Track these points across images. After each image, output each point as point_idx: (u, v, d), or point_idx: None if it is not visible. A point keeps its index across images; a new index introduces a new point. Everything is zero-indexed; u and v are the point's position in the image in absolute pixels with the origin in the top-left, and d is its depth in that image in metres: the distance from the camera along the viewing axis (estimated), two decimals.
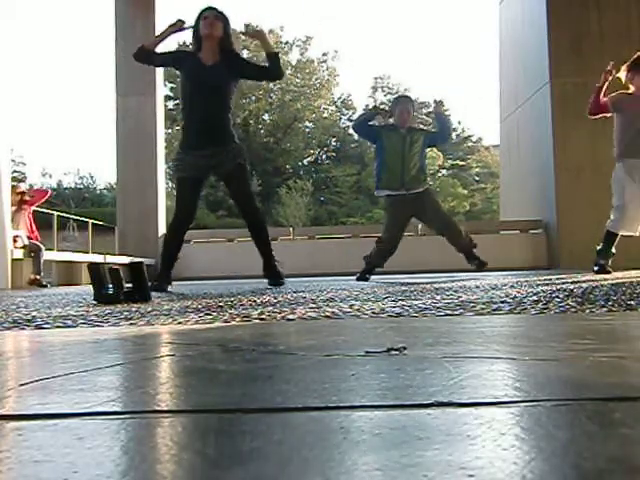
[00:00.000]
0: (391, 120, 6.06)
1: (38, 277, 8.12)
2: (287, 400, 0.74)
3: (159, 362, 1.15)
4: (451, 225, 5.88)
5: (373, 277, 6.10)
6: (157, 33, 4.99)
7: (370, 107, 6.53)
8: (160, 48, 4.90)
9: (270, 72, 4.74)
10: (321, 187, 37.79)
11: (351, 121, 41.51)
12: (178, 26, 4.78)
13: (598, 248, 5.77)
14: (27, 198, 8.54)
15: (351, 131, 41.65)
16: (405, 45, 66.87)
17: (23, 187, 9.14)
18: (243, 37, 5.03)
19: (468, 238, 5.84)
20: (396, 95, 6.48)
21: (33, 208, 8.83)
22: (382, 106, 6.57)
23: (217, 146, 4.58)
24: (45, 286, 8.07)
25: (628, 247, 9.53)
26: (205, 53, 4.68)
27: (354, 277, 6.12)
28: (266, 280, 4.84)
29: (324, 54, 40.17)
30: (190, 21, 4.85)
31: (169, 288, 4.65)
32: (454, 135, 42.57)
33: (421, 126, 6.48)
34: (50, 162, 63.94)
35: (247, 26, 5.04)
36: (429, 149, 6.22)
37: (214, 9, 4.78)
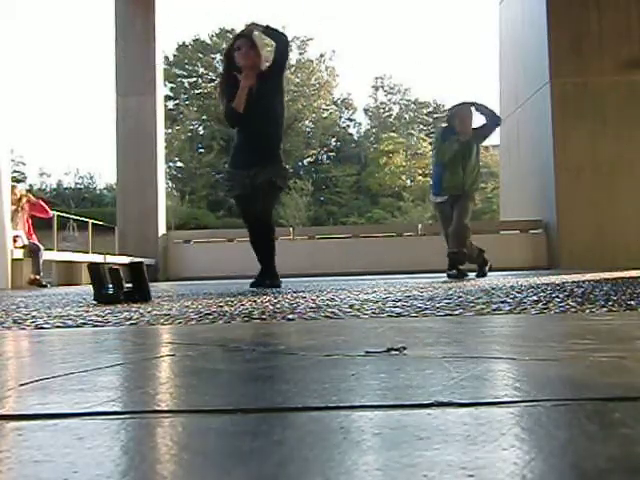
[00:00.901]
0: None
1: (38, 277, 8.12)
2: (287, 400, 0.74)
3: (159, 362, 1.15)
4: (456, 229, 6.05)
5: (374, 277, 6.09)
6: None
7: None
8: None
9: (279, 44, 4.88)
10: (321, 187, 37.78)
11: (351, 120, 41.57)
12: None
13: None
14: (32, 198, 8.53)
15: (351, 131, 41.76)
16: (405, 45, 66.86)
17: (22, 189, 9.12)
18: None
19: (476, 252, 6.07)
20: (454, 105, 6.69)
21: (31, 213, 8.82)
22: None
23: (260, 165, 4.68)
24: (45, 286, 8.07)
25: (628, 247, 9.56)
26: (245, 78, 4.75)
27: (354, 277, 6.15)
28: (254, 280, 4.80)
29: (322, 55, 40.18)
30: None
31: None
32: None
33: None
34: (50, 162, 63.96)
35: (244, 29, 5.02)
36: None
37: (244, 36, 4.89)
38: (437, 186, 6.23)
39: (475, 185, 6.25)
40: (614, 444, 0.54)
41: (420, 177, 36.01)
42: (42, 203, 8.89)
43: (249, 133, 4.70)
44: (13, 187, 8.51)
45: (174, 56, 38.06)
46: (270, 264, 4.78)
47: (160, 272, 11.33)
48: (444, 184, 6.13)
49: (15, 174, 26.59)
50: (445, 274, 6.08)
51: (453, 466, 0.49)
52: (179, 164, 35.72)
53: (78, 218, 14.39)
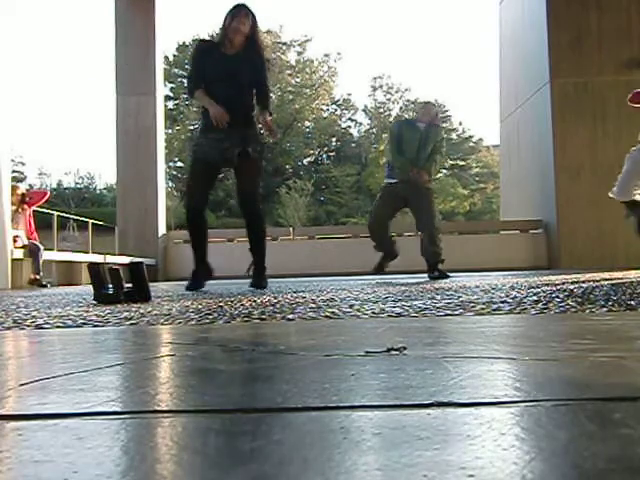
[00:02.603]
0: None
1: (38, 277, 8.12)
2: (287, 400, 0.74)
3: (159, 362, 1.15)
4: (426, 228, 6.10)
5: (374, 277, 6.10)
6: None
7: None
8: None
9: (263, 102, 4.64)
10: (321, 187, 37.78)
11: (352, 120, 41.56)
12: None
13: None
14: (27, 199, 8.54)
15: (351, 131, 41.79)
16: (405, 45, 66.87)
17: (22, 188, 9.13)
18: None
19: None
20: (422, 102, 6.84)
21: (33, 208, 8.83)
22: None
23: (234, 128, 4.44)
24: (45, 286, 8.07)
25: (628, 247, 9.56)
26: (228, 44, 4.60)
27: (354, 277, 6.16)
28: (249, 281, 4.69)
29: (325, 55, 40.18)
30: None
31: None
32: (454, 135, 42.65)
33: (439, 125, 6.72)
34: (50, 162, 63.98)
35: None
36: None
37: (245, 6, 4.67)
38: (390, 167, 6.28)
39: (429, 163, 6.14)
40: (615, 444, 0.54)
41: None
42: (34, 192, 8.95)
43: (217, 92, 4.48)
44: (15, 187, 8.51)
45: (174, 56, 38.06)
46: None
47: (160, 272, 11.32)
48: (397, 164, 6.12)
49: (15, 174, 26.59)
50: (427, 276, 6.08)
51: (453, 466, 0.49)
52: (179, 164, 35.72)
53: (78, 218, 14.40)
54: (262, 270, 4.70)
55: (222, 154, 4.48)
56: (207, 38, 4.75)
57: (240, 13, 4.56)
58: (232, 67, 4.54)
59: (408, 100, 42.81)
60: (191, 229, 4.66)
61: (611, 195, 5.56)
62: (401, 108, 42.70)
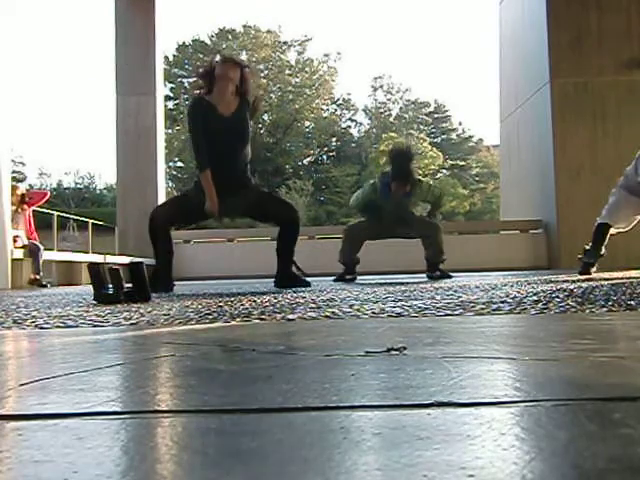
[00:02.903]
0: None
1: (38, 277, 8.12)
2: (287, 400, 0.74)
3: (159, 362, 1.15)
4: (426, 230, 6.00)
5: (373, 277, 6.10)
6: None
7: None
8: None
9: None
10: (321, 187, 37.80)
11: (352, 120, 41.55)
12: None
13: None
14: (26, 200, 8.54)
15: (351, 131, 41.76)
16: (405, 45, 66.88)
17: (22, 188, 9.13)
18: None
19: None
20: (396, 152, 6.16)
21: (33, 208, 8.83)
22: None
23: (231, 190, 4.57)
24: (45, 286, 8.07)
25: (628, 247, 9.55)
26: (221, 99, 4.57)
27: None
28: (278, 283, 4.67)
29: (325, 55, 40.18)
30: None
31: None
32: (454, 135, 42.66)
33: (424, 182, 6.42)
34: (50, 162, 63.97)
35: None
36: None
37: (232, 59, 4.77)
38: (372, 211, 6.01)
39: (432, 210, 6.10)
40: (615, 444, 0.54)
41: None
42: (34, 192, 8.95)
43: (217, 161, 4.54)
44: (14, 187, 8.51)
45: (174, 56, 38.09)
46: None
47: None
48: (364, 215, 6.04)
49: (15, 174, 26.55)
50: (426, 275, 6.06)
51: (453, 466, 0.49)
52: (179, 164, 35.73)
53: (78, 218, 14.41)
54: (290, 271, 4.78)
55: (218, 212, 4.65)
56: (201, 96, 4.64)
57: (226, 63, 4.62)
58: (231, 130, 4.55)
59: (408, 100, 42.84)
60: (152, 237, 4.66)
61: (599, 220, 5.68)
62: (401, 108, 42.72)
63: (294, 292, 3.66)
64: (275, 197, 5.03)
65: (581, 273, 5.49)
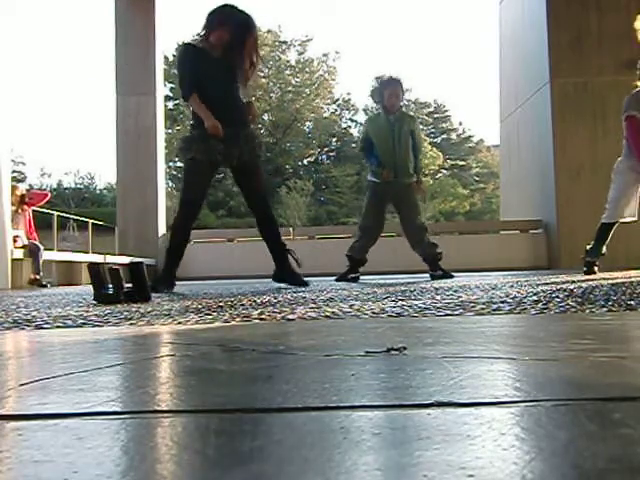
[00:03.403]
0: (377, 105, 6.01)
1: (38, 277, 8.12)
2: (287, 400, 0.74)
3: (159, 362, 1.15)
4: (416, 228, 5.87)
5: (373, 277, 6.09)
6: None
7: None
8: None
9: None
10: (321, 187, 37.80)
11: (353, 121, 41.55)
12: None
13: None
14: (26, 200, 8.54)
15: (351, 131, 41.76)
16: (405, 45, 66.91)
17: (22, 188, 9.12)
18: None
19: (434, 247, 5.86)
20: (382, 77, 6.20)
21: (33, 208, 8.83)
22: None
23: (232, 127, 4.44)
24: (45, 286, 8.07)
25: (628, 247, 9.55)
26: (217, 46, 4.56)
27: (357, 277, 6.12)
28: (280, 280, 4.66)
29: (324, 54, 40.18)
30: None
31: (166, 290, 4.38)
32: (454, 135, 42.65)
33: (410, 113, 6.40)
34: (50, 162, 63.99)
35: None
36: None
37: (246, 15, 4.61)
38: (376, 160, 5.79)
39: (416, 169, 5.87)
40: (615, 444, 0.54)
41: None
42: (34, 193, 8.93)
43: (212, 91, 4.47)
44: (14, 187, 8.51)
45: (174, 56, 38.05)
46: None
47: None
48: (371, 168, 5.85)
49: (15, 174, 26.59)
50: (429, 275, 5.94)
51: (453, 466, 0.49)
52: (179, 164, 35.71)
53: (78, 218, 14.41)
54: (289, 267, 4.69)
55: (222, 154, 4.47)
56: (193, 42, 4.63)
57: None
58: (223, 69, 4.53)
59: (408, 100, 42.82)
60: (184, 223, 4.55)
61: (604, 220, 5.66)
62: (401, 108, 42.68)
63: (294, 292, 3.66)
64: (260, 179, 4.77)
65: (587, 273, 5.47)
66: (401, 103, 5.91)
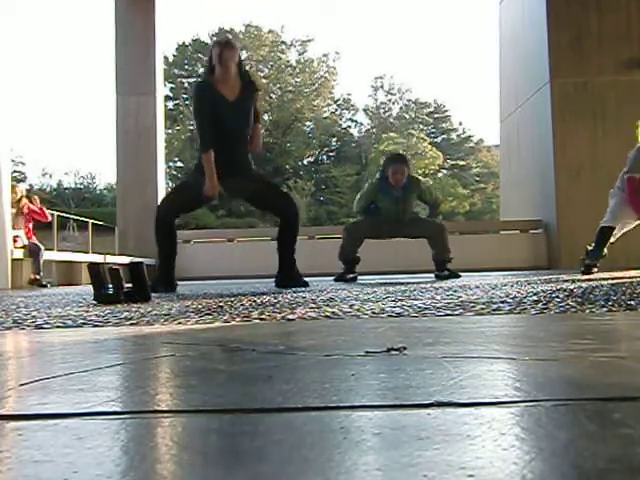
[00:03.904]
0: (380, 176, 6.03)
1: (38, 277, 8.12)
2: (287, 400, 0.74)
3: (159, 362, 1.15)
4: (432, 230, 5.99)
5: (373, 277, 6.09)
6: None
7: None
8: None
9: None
10: (321, 187, 37.79)
11: (353, 121, 41.57)
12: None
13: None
14: (32, 206, 8.52)
15: (351, 131, 41.76)
16: (405, 45, 66.91)
17: (23, 188, 9.11)
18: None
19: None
20: (389, 154, 6.40)
21: (33, 208, 8.82)
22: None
23: (232, 177, 4.63)
24: (45, 286, 8.07)
25: (628, 247, 9.55)
26: (225, 84, 4.59)
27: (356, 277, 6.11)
28: (279, 283, 4.66)
29: (324, 55, 40.20)
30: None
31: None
32: (454, 135, 42.66)
33: (415, 176, 6.38)
34: (50, 162, 63.98)
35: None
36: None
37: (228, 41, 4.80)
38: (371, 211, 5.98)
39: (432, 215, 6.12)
40: (615, 444, 0.54)
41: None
42: (44, 210, 8.85)
43: (223, 146, 4.56)
44: (14, 187, 8.51)
45: (174, 56, 38.06)
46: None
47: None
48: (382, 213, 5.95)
49: (15, 174, 26.59)
50: (434, 275, 6.01)
51: (453, 466, 0.49)
52: (179, 164, 35.71)
53: (78, 218, 14.41)
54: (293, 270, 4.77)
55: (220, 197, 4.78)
56: (205, 80, 4.70)
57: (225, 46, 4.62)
58: (236, 114, 4.59)
59: (409, 100, 42.85)
60: (160, 238, 4.72)
61: (602, 223, 5.70)
62: (401, 108, 42.72)
63: (294, 292, 3.66)
64: (276, 187, 5.11)
65: (583, 273, 5.51)
66: (405, 179, 5.88)
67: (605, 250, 5.65)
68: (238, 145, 4.65)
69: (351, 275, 6.01)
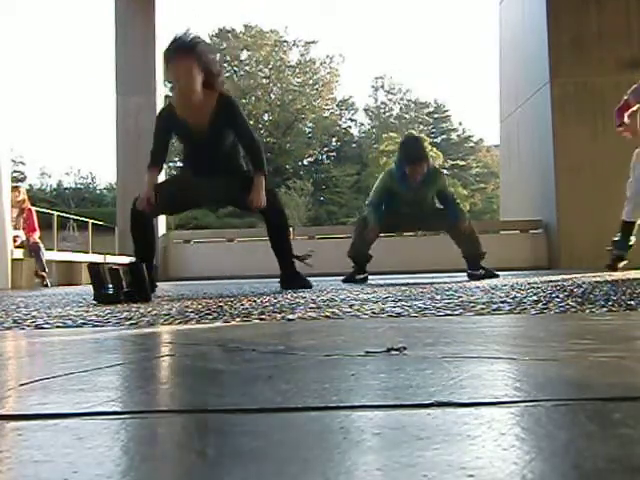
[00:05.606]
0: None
1: (44, 273, 8.14)
2: (287, 400, 0.74)
3: (159, 362, 1.15)
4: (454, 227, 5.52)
5: (374, 277, 6.08)
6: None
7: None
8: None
9: (253, 161, 4.11)
10: (321, 187, 37.81)
11: (353, 120, 41.56)
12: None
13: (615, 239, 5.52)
14: (30, 206, 8.52)
15: (352, 131, 41.76)
16: (406, 45, 66.93)
17: (23, 188, 9.11)
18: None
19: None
20: (404, 139, 5.73)
21: (34, 209, 8.82)
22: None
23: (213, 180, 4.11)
24: (46, 286, 8.07)
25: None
26: (187, 108, 3.87)
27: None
28: (283, 284, 4.29)
29: (328, 56, 40.21)
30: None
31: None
32: (454, 135, 42.66)
33: (436, 166, 5.88)
34: (50, 162, 64.00)
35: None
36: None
37: (181, 45, 3.70)
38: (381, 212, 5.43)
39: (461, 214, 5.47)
40: (615, 444, 0.54)
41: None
42: (35, 223, 8.55)
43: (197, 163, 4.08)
44: (17, 187, 8.51)
45: None
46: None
47: (160, 272, 11.33)
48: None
49: (15, 174, 26.58)
50: (467, 275, 5.52)
51: (453, 466, 0.49)
52: (179, 164, 35.70)
53: (78, 218, 14.41)
54: (292, 270, 4.30)
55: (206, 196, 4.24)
56: (170, 105, 4.02)
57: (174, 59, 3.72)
58: (208, 143, 3.95)
59: (409, 100, 42.86)
60: (134, 231, 4.31)
61: (624, 218, 5.52)
62: (401, 108, 42.74)
63: (294, 292, 3.66)
64: (252, 194, 4.21)
65: (609, 266, 5.25)
66: (423, 174, 5.32)
67: (633, 239, 5.38)
68: (215, 161, 4.04)
69: (361, 275, 5.59)
